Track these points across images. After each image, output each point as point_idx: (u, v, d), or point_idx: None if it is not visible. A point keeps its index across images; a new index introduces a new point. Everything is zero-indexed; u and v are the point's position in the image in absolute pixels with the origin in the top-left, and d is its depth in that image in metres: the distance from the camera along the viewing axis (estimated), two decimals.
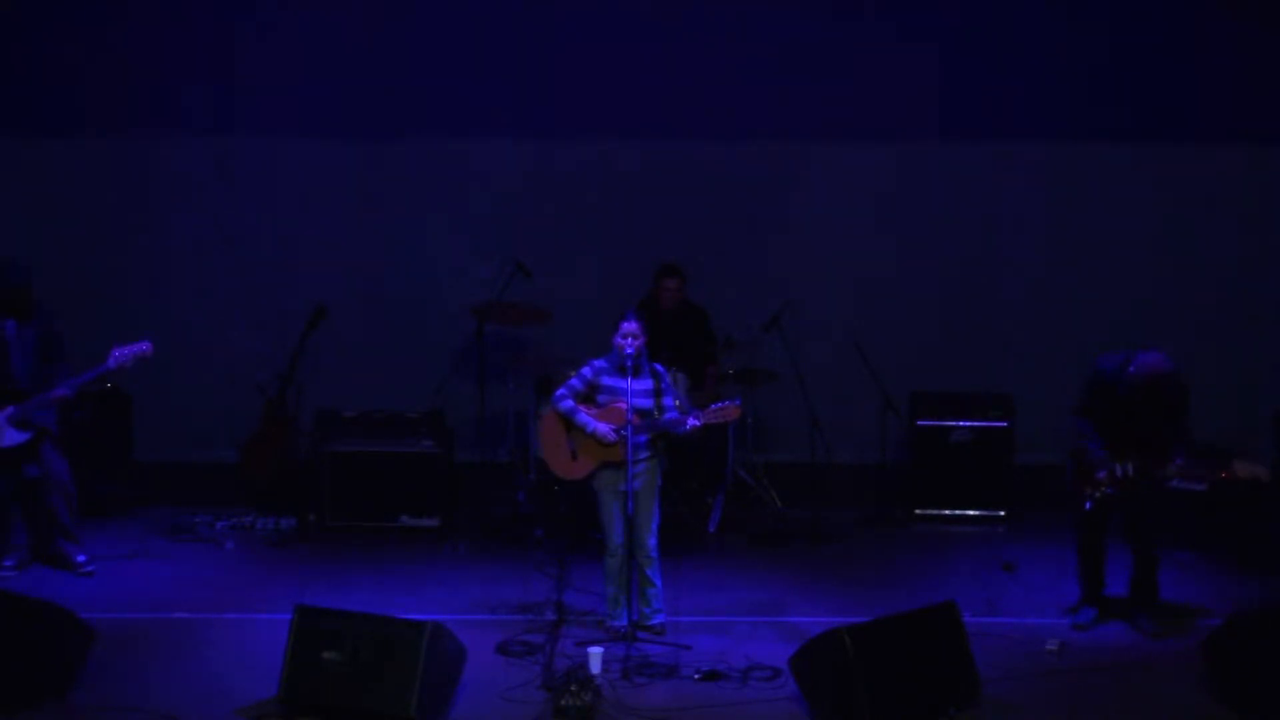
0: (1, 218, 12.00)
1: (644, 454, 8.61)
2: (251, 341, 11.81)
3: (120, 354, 9.35)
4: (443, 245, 12.07)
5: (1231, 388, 11.36)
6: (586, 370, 8.76)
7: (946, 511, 11.21)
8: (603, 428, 8.58)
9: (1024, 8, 11.79)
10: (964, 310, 12.01)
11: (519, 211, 12.00)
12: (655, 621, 8.69)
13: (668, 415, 8.60)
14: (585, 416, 8.64)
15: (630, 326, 8.54)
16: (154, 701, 7.74)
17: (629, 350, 8.50)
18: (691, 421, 8.53)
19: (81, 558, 9.79)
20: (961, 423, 11.22)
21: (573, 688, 7.68)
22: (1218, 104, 11.74)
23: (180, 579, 9.86)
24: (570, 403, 8.70)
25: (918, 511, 11.23)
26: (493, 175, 12.04)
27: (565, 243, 11.92)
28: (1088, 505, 8.87)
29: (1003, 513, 11.13)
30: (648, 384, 8.62)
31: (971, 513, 11.18)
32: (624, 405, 8.46)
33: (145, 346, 9.40)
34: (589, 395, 8.74)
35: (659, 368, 8.74)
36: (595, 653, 8.13)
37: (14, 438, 9.47)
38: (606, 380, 8.69)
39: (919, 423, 11.26)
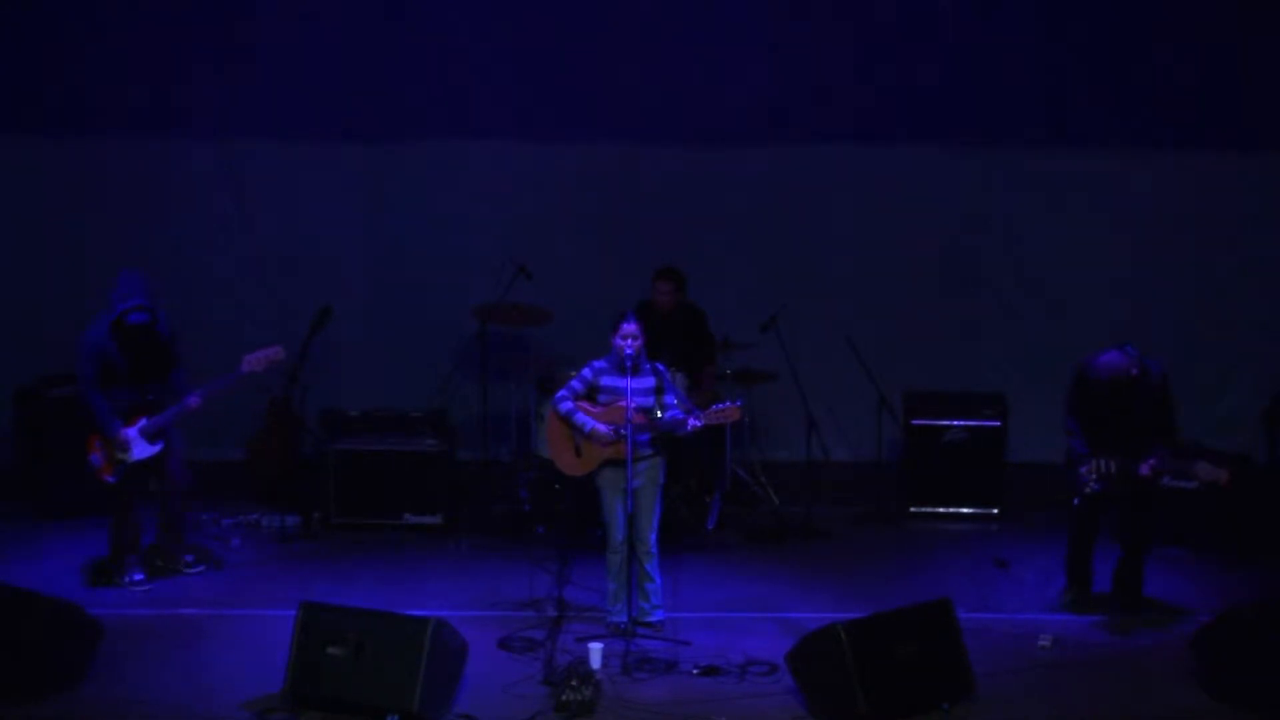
0: (14, 216, 11.98)
1: (646, 452, 8.59)
2: (258, 342, 11.75)
3: (251, 359, 9.33)
4: (446, 247, 12.04)
5: (1222, 385, 11.35)
6: (586, 371, 8.74)
7: (940, 509, 11.18)
8: (601, 428, 8.55)
9: (1017, 17, 11.76)
10: (957, 311, 11.98)
11: (521, 214, 11.97)
12: (654, 617, 8.66)
13: (670, 414, 8.58)
14: (583, 417, 8.61)
15: (630, 327, 8.52)
16: (161, 696, 7.75)
17: (629, 351, 8.49)
18: (693, 422, 8.52)
19: (190, 557, 9.76)
20: (955, 422, 11.19)
21: (573, 682, 7.68)
22: (1203, 112, 11.72)
23: (187, 575, 9.82)
24: (569, 404, 8.67)
25: (912, 509, 11.20)
26: (495, 179, 12.02)
27: (566, 245, 11.90)
28: (1075, 501, 8.88)
29: (995, 510, 11.11)
30: (649, 382, 8.60)
31: (965, 510, 11.15)
32: (625, 404, 8.42)
33: (276, 351, 9.39)
34: (590, 395, 8.71)
35: (660, 366, 8.72)
36: (595, 648, 8.13)
37: (146, 450, 9.38)
38: (606, 380, 8.67)
39: (913, 422, 11.23)
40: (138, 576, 9.54)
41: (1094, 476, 8.75)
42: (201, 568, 9.77)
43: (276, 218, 12.12)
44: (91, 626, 7.99)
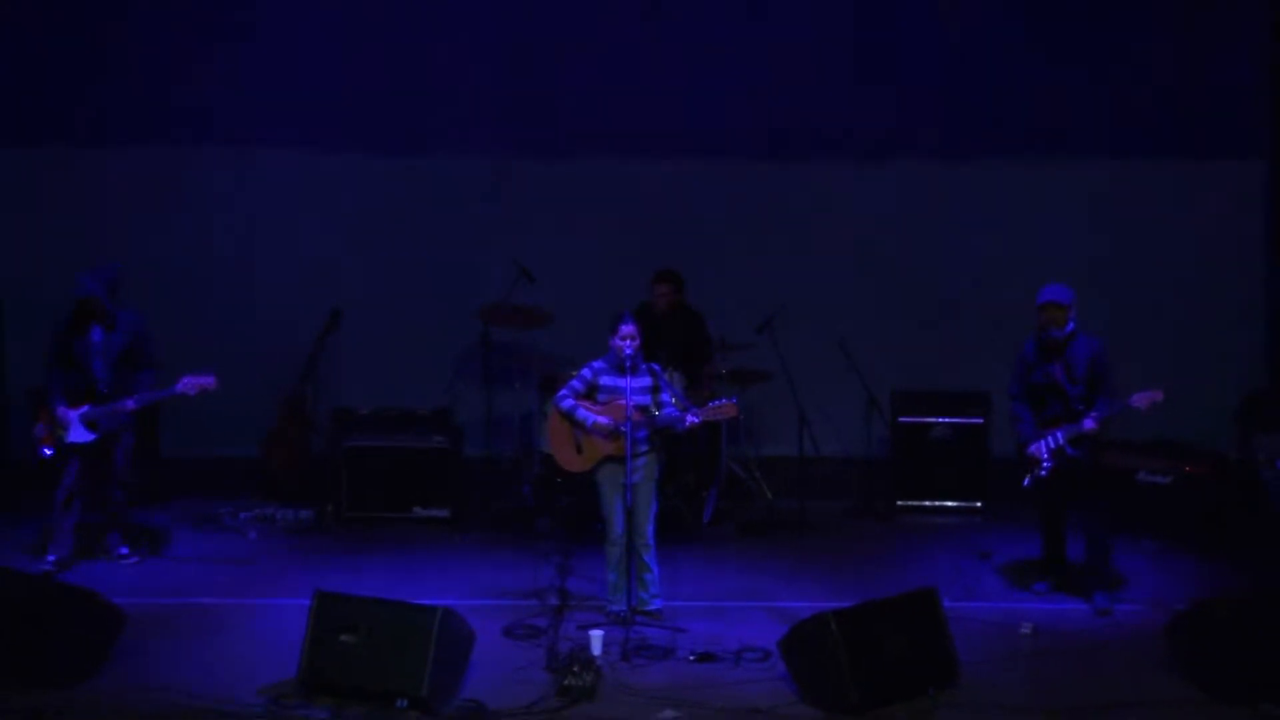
0: (31, 224, 12.01)
1: (644, 448, 8.65)
2: (271, 344, 11.84)
3: (187, 382, 9.37)
4: (451, 252, 12.07)
5: (1196, 384, 11.40)
6: (586, 371, 8.79)
7: (927, 503, 11.23)
8: (603, 420, 8.62)
9: (996, 32, 11.83)
10: (942, 314, 12.02)
11: (524, 219, 12.01)
12: (653, 606, 8.71)
13: (666, 411, 8.62)
14: (585, 412, 8.68)
15: (628, 328, 8.57)
16: (180, 682, 7.77)
17: (629, 350, 8.53)
18: (690, 418, 8.57)
19: (124, 549, 9.83)
20: (941, 419, 11.24)
21: (575, 668, 7.72)
22: (1178, 118, 11.80)
23: (206, 567, 9.90)
24: (571, 401, 8.73)
25: (900, 503, 11.25)
26: (499, 186, 12.06)
27: (568, 249, 11.94)
28: (1025, 483, 8.96)
29: (980, 504, 11.15)
30: (646, 381, 8.66)
31: (950, 504, 11.20)
32: (624, 403, 8.48)
33: (210, 380, 9.41)
34: (590, 395, 8.77)
35: (655, 366, 8.78)
36: (596, 635, 8.16)
37: (81, 435, 9.49)
38: (605, 380, 8.73)
39: (900, 419, 11.28)
40: (50, 557, 9.62)
41: (1045, 454, 8.85)
42: (135, 559, 9.81)
43: (287, 223, 12.16)
44: (113, 614, 8.02)
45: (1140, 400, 8.71)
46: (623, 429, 8.46)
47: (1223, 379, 11.58)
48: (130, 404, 9.46)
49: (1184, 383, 11.24)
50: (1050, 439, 8.88)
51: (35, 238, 11.94)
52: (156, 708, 7.49)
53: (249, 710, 7.47)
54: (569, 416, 8.74)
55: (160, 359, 9.66)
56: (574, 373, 8.93)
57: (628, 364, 8.52)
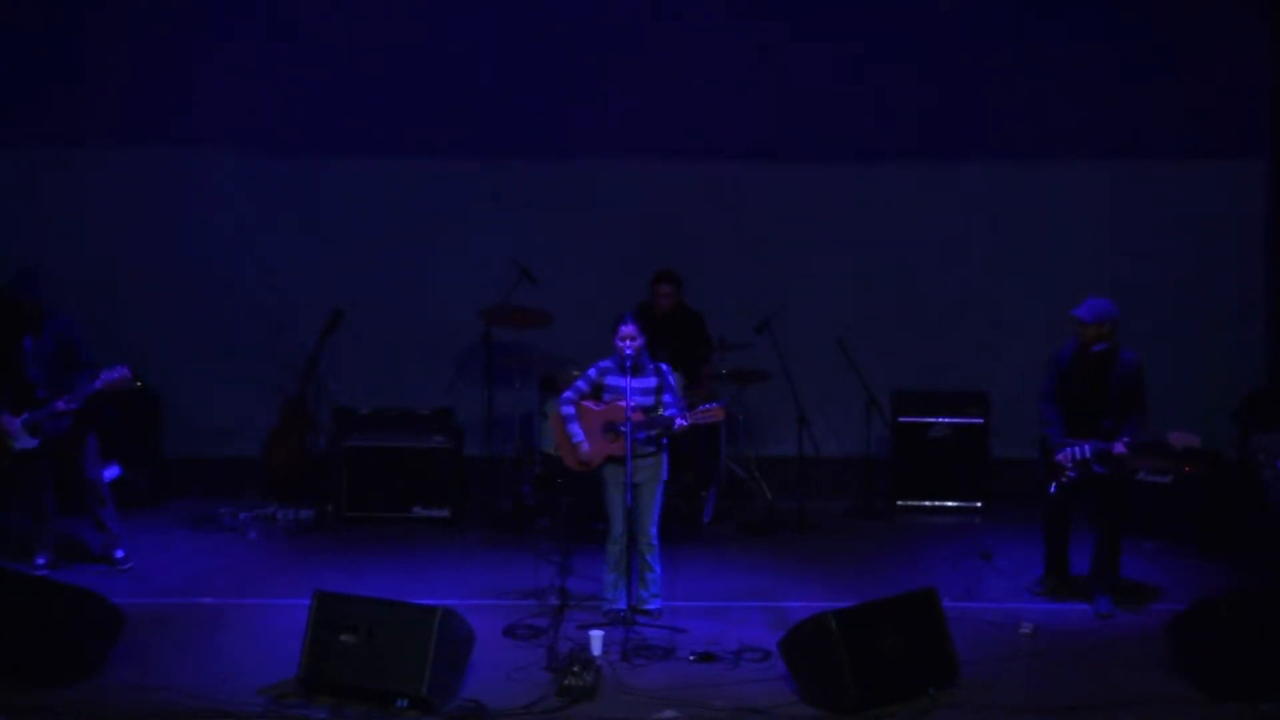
0: (37, 224, 11.97)
1: (648, 450, 8.64)
2: (271, 344, 11.83)
3: (106, 376, 9.32)
4: (451, 252, 12.06)
5: (1195, 384, 11.40)
6: (592, 371, 8.80)
7: (926, 503, 11.24)
8: (586, 446, 8.64)
9: (990, 34, 11.82)
10: (942, 314, 12.01)
11: (525, 220, 12.00)
12: (652, 606, 8.71)
13: (664, 412, 8.63)
14: (574, 427, 8.69)
15: (628, 329, 8.58)
16: (181, 681, 7.78)
17: (628, 351, 8.54)
18: (680, 421, 8.56)
19: (120, 553, 9.78)
20: (940, 419, 11.26)
21: (575, 668, 7.73)
22: (1174, 125, 11.80)
23: (206, 566, 9.91)
24: (570, 409, 8.74)
25: (899, 503, 11.26)
26: (500, 189, 12.04)
27: (568, 249, 11.93)
28: (1052, 489, 8.94)
29: (979, 504, 11.18)
30: (650, 382, 8.65)
31: (950, 504, 11.22)
32: (624, 403, 8.48)
33: (121, 372, 9.30)
34: (595, 394, 8.77)
35: (664, 367, 8.77)
36: (596, 635, 8.17)
37: (27, 443, 9.49)
38: (610, 380, 8.73)
39: (900, 419, 11.29)
40: (40, 561, 9.64)
41: (1070, 463, 8.82)
42: (131, 564, 9.73)
43: (288, 223, 12.14)
44: (114, 614, 8.03)
45: (1178, 440, 8.68)
46: (622, 430, 8.46)
47: (1223, 379, 11.57)
48: (60, 405, 9.39)
49: (1184, 383, 11.29)
50: (1077, 449, 8.82)
51: (35, 238, 11.89)
52: (156, 708, 7.50)
53: (249, 710, 7.48)
54: (563, 427, 8.74)
55: (95, 360, 9.50)
56: (576, 372, 8.94)
57: (628, 364, 8.52)
